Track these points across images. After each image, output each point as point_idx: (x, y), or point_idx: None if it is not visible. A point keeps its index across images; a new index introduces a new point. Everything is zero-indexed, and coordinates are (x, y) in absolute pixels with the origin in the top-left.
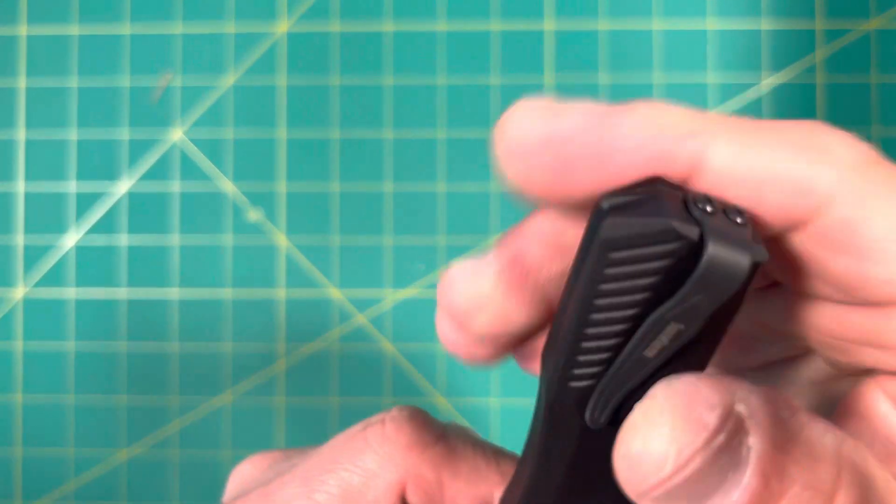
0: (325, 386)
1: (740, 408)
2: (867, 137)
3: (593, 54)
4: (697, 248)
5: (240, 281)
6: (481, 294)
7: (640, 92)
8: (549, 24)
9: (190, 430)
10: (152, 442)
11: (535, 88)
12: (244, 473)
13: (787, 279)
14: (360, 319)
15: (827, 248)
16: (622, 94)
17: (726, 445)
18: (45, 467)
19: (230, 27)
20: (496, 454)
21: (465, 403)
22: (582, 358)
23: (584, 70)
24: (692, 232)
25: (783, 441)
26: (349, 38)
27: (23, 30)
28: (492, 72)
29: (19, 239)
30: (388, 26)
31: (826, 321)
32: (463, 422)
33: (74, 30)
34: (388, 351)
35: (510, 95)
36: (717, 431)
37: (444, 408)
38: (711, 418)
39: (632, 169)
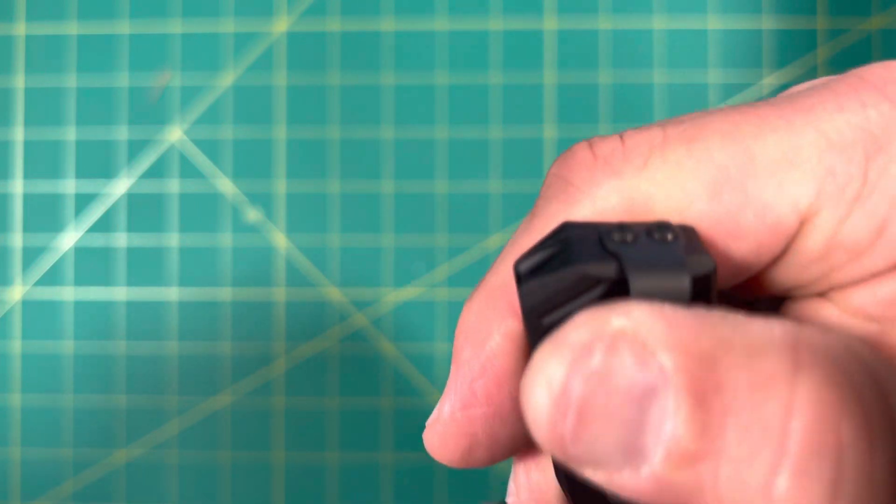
0: (324, 386)
1: (619, 322)
2: None
3: (594, 53)
4: (623, 282)
5: (239, 281)
6: (462, 460)
7: (640, 91)
8: (550, 23)
9: (189, 431)
10: (151, 443)
11: (536, 87)
12: None
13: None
14: (360, 319)
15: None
16: (623, 92)
17: (614, 365)
18: (42, 468)
19: (229, 26)
20: None
21: None
22: None
23: (584, 68)
24: (609, 270)
25: (707, 346)
26: (349, 36)
27: (20, 29)
28: (492, 70)
29: (17, 239)
30: (388, 25)
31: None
32: None
33: (72, 29)
34: (388, 351)
35: (511, 94)
36: (586, 349)
37: None
38: (576, 336)
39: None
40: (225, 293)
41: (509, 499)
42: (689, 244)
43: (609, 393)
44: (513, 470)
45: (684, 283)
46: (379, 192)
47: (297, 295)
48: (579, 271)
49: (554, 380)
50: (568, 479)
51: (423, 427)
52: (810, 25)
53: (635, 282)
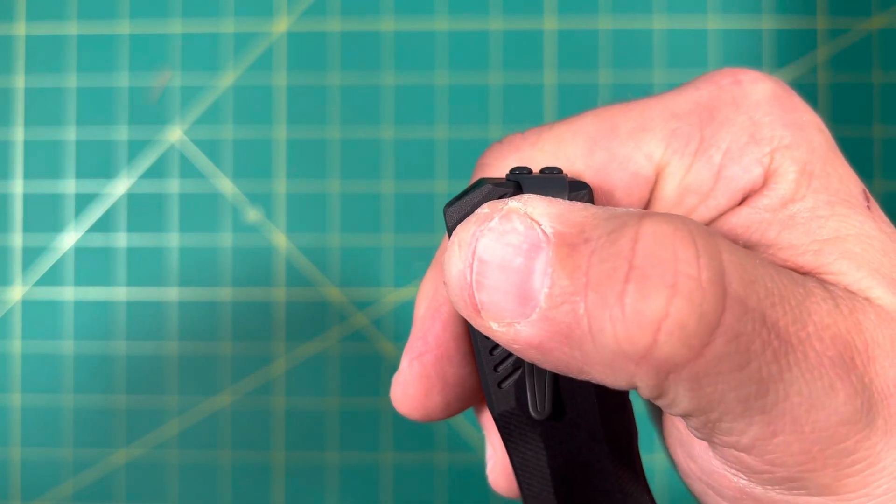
0: (324, 386)
1: (513, 203)
2: (869, 137)
3: (594, 53)
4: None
5: (239, 281)
6: (422, 406)
7: (640, 91)
8: (550, 23)
9: (189, 431)
10: (151, 443)
11: (536, 87)
12: None
13: None
14: (360, 319)
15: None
16: (623, 92)
17: (507, 228)
18: (43, 468)
19: (229, 26)
20: None
21: None
22: (498, 361)
23: (584, 69)
24: (509, 186)
25: (579, 217)
26: (349, 36)
27: (20, 29)
28: (492, 70)
29: (17, 239)
30: (388, 25)
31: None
32: (463, 422)
33: (72, 29)
34: (388, 351)
35: (511, 94)
36: (487, 216)
37: None
38: (481, 211)
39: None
40: (225, 293)
41: (489, 462)
42: (572, 179)
43: (503, 246)
44: (485, 435)
45: (565, 196)
46: (379, 192)
47: (297, 295)
48: (486, 188)
49: (462, 240)
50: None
51: (422, 427)
52: (810, 25)
53: (527, 191)
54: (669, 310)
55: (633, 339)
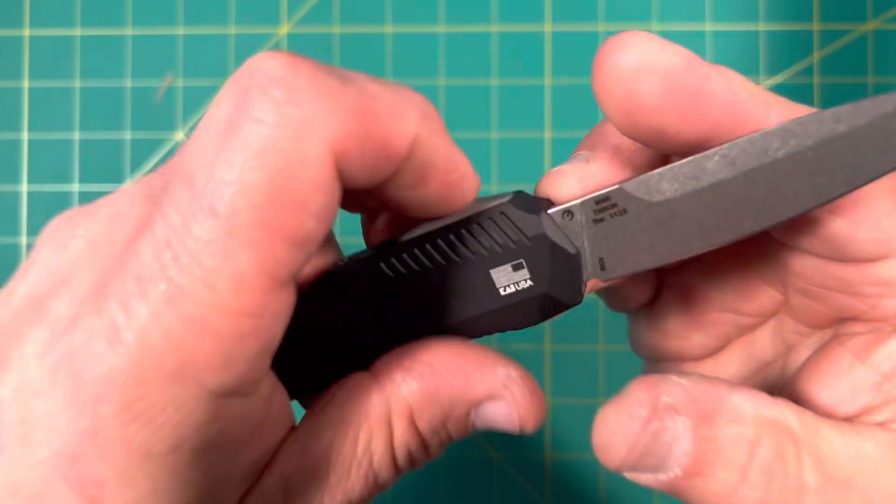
0: None
1: (666, 399)
2: None
3: (592, 56)
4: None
5: None
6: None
7: None
8: (549, 27)
9: None
10: None
11: (535, 90)
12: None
13: (781, 233)
14: None
15: (826, 209)
16: None
17: (662, 427)
18: None
19: (232, 29)
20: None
21: None
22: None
23: (583, 72)
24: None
25: (708, 413)
26: (349, 39)
27: (26, 31)
28: (491, 74)
29: (23, 240)
30: (389, 28)
31: (809, 272)
32: None
33: (77, 31)
34: None
35: (510, 97)
36: (649, 420)
37: None
38: (643, 412)
39: (715, 115)
40: None
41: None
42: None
43: (655, 441)
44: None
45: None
46: None
47: None
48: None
49: (630, 439)
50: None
51: None
52: (806, 28)
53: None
54: None
55: None
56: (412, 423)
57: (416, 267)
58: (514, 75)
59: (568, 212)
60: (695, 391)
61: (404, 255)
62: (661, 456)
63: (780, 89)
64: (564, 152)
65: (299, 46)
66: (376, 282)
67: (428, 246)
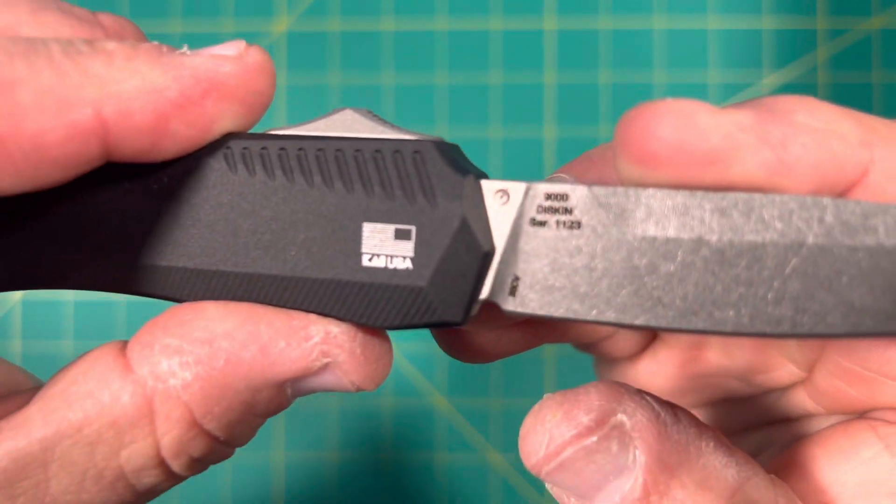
0: None
1: (622, 418)
2: None
3: (594, 53)
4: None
5: None
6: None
7: (640, 91)
8: (550, 23)
9: None
10: None
11: (536, 87)
12: None
13: None
14: None
15: None
16: (622, 92)
17: (601, 448)
18: None
19: (229, 26)
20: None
21: (465, 403)
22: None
23: (584, 68)
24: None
25: (672, 462)
26: (349, 36)
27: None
28: (492, 70)
29: None
30: (388, 25)
31: (858, 352)
32: (464, 421)
33: None
34: None
35: (511, 94)
36: (588, 432)
37: (445, 408)
38: (585, 420)
39: (807, 183)
40: None
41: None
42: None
43: (586, 460)
44: None
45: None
46: None
47: None
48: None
49: (554, 442)
50: None
51: (421, 427)
52: (810, 25)
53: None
54: None
55: None
56: (195, 424)
57: (262, 175)
58: (515, 72)
59: (504, 192)
60: (665, 428)
61: (255, 152)
62: (590, 482)
63: (783, 87)
64: (565, 150)
65: (297, 43)
66: (205, 176)
67: (290, 149)
